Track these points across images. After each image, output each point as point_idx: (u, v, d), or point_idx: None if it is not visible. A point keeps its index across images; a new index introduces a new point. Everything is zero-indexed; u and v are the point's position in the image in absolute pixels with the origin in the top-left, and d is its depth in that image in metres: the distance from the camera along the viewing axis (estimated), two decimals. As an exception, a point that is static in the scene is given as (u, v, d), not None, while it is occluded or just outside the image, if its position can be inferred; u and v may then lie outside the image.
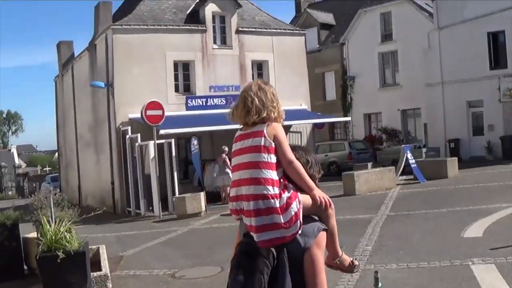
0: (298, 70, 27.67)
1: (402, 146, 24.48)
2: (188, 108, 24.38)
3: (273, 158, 3.05)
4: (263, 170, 3.02)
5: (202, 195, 19.08)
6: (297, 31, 29.38)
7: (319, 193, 3.12)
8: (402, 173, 22.75)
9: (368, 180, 19.64)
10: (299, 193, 3.08)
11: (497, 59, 30.19)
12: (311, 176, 3.19)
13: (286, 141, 3.12)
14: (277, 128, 3.12)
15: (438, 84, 31.73)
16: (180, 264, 11.02)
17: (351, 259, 3.39)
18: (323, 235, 3.07)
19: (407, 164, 22.21)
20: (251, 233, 3.02)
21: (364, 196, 18.55)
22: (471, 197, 16.10)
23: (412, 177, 21.92)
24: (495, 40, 30.21)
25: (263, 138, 3.06)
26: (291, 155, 3.10)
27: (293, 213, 2.98)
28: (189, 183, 23.25)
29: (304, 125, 27.36)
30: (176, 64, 24.65)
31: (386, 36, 36.47)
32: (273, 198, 2.97)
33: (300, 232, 3.00)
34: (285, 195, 3.01)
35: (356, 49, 37.53)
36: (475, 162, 28.08)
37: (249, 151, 3.08)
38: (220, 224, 15.97)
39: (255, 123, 3.14)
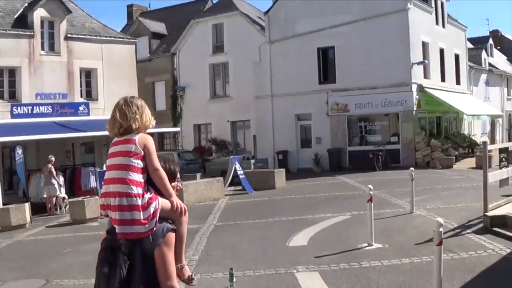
0: (127, 78, 26.82)
1: (231, 157, 24.46)
2: (13, 116, 22.54)
3: (140, 164, 3.49)
4: (129, 172, 3.44)
5: (27, 206, 17.71)
6: (128, 39, 28.52)
7: (177, 200, 3.56)
8: (231, 184, 22.75)
9: (196, 191, 19.27)
10: (159, 197, 3.51)
11: (326, 74, 31.50)
12: (177, 188, 3.73)
13: (154, 151, 3.56)
14: (148, 139, 3.57)
15: (268, 96, 32.39)
16: (4, 277, 10.23)
17: (192, 273, 3.76)
18: (171, 235, 3.48)
19: (236, 175, 22.19)
20: (115, 226, 3.45)
21: (192, 206, 18.05)
22: (297, 207, 16.40)
23: (240, 188, 21.94)
24: (325, 56, 31.52)
25: (133, 146, 3.50)
26: (157, 163, 3.54)
27: (151, 212, 3.42)
28: (13, 194, 21.57)
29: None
30: (1, 70, 22.91)
31: (218, 48, 36.72)
32: (135, 197, 3.41)
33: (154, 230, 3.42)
34: (147, 195, 3.46)
35: (188, 60, 37.37)
36: (303, 173, 28.92)
37: (120, 154, 3.50)
38: (45, 236, 15.23)
39: (129, 132, 3.56)
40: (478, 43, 46.19)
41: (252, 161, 27.14)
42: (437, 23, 33.90)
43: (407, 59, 29.16)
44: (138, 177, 3.45)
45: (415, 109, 29.38)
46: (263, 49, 32.92)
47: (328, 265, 8.90)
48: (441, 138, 32.00)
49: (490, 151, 19.84)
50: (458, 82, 36.83)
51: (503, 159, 12.42)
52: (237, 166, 22.32)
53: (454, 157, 28.84)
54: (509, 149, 13.34)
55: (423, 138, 29.45)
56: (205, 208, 17.45)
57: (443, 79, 34.03)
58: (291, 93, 31.41)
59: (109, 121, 3.63)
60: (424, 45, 31.54)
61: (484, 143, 11.77)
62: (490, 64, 44.97)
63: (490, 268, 8.20)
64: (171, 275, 3.43)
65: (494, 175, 11.88)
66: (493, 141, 43.42)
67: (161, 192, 3.57)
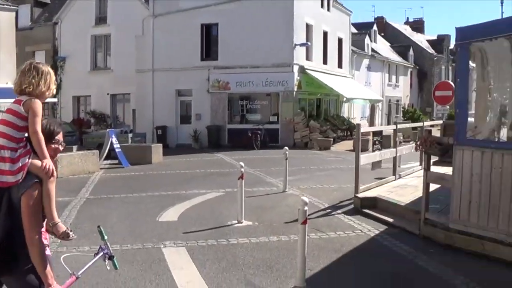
0: (5, 46, 25.50)
1: (107, 130, 23.64)
2: None
3: (21, 123, 3.65)
4: (10, 128, 3.63)
5: None
6: (8, 6, 26.94)
7: (48, 162, 3.68)
8: (108, 158, 22.06)
9: (71, 163, 18.52)
10: (31, 154, 3.69)
11: (208, 51, 31.20)
12: (56, 149, 3.86)
13: (37, 115, 3.66)
14: (34, 103, 3.67)
15: (149, 71, 31.70)
16: None
17: (67, 229, 3.79)
18: (35, 187, 3.62)
19: (112, 148, 21.56)
20: None
21: (66, 179, 17.43)
22: (172, 182, 16.12)
23: (117, 161, 21.35)
24: (208, 32, 31.18)
25: (19, 106, 3.66)
26: (37, 127, 3.64)
27: (20, 165, 3.59)
28: None
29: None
30: None
31: (101, 19, 35.66)
32: (7, 150, 3.59)
33: (20, 181, 3.59)
34: (20, 151, 3.63)
35: (69, 30, 36.09)
36: (182, 149, 28.67)
37: (8, 112, 3.70)
38: None
39: (24, 94, 3.72)
40: (362, 29, 47.57)
41: (130, 135, 26.37)
42: (322, 6, 34.40)
43: (290, 40, 29.40)
44: (16, 134, 3.63)
45: (295, 90, 29.73)
46: (146, 23, 32.06)
47: (196, 241, 8.73)
48: (320, 120, 32.65)
49: (367, 134, 20.66)
50: (340, 65, 37.68)
51: (376, 142, 12.66)
52: (114, 140, 21.66)
53: (332, 139, 29.49)
54: (383, 133, 13.80)
55: (302, 119, 29.88)
56: (79, 181, 16.79)
57: (325, 62, 34.65)
58: (172, 68, 30.88)
59: (15, 80, 3.83)
60: (308, 27, 31.92)
61: (358, 125, 11.88)
62: (373, 50, 46.40)
63: (357, 249, 8.26)
64: (34, 226, 3.56)
65: (367, 157, 12.10)
66: (372, 125, 44.85)
67: None
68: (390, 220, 9.71)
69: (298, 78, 30.08)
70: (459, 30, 7.73)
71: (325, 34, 34.66)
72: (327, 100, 35.98)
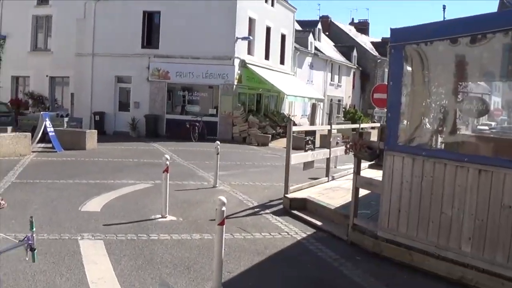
0: None
1: (41, 113, 22.78)
2: None
3: None
4: None
5: None
6: None
7: None
8: (42, 141, 21.25)
9: (1, 145, 17.76)
10: None
11: (150, 39, 30.51)
12: None
13: None
14: None
15: (89, 55, 30.76)
16: None
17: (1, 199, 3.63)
18: None
19: (46, 131, 20.77)
20: None
21: (-5, 161, 16.67)
22: (102, 171, 15.57)
23: (50, 145, 20.55)
24: (150, 20, 30.47)
25: None
26: None
27: None
28: None
29: None
30: None
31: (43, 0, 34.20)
32: None
33: None
34: None
35: (10, 9, 34.67)
36: (119, 137, 28.07)
37: None
38: None
39: None
40: (306, 27, 47.55)
41: (66, 119, 25.40)
42: (266, 1, 34.13)
43: (232, 33, 29.03)
44: None
45: (235, 83, 29.39)
46: (88, 6, 30.98)
47: (116, 234, 8.32)
48: (260, 115, 32.43)
49: (303, 132, 20.42)
50: (282, 62, 37.53)
51: (309, 142, 12.35)
52: (47, 123, 20.92)
53: (270, 135, 29.30)
54: (321, 132, 13.50)
55: (241, 113, 29.58)
56: (7, 164, 15.99)
57: (267, 57, 34.44)
58: (113, 54, 30.06)
59: None
60: (251, 21, 31.63)
61: (290, 122, 11.55)
62: (316, 48, 46.48)
63: (282, 252, 7.98)
64: None
65: (297, 157, 11.68)
66: (312, 124, 45.04)
67: None
68: (319, 223, 9.49)
69: (239, 72, 29.75)
70: (393, 31, 7.52)
71: (268, 30, 34.43)
72: (268, 96, 35.81)
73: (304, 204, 10.68)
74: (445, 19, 25.86)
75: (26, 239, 4.01)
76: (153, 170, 15.77)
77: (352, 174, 14.85)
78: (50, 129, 20.80)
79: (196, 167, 17.00)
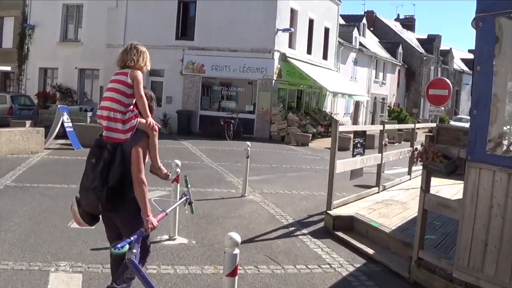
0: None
1: (58, 106, 21.04)
2: None
3: (128, 90, 4.53)
4: (118, 94, 4.51)
5: None
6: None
7: (151, 120, 4.61)
8: (61, 137, 19.65)
9: (10, 141, 16.23)
10: (138, 118, 4.56)
11: (184, 30, 28.83)
12: (150, 108, 4.70)
13: (141, 83, 4.58)
14: (137, 73, 4.59)
15: (120, 46, 28.80)
16: None
17: (168, 171, 4.88)
18: (144, 140, 4.53)
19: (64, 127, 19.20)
20: (104, 132, 4.52)
21: (3, 158, 15.10)
22: None
23: (69, 142, 18.94)
24: (186, 10, 28.78)
25: (126, 76, 4.55)
26: (141, 92, 4.57)
27: (130, 126, 4.49)
28: None
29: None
30: None
31: (74, -13, 32.79)
32: (119, 113, 4.47)
33: (130, 138, 4.48)
34: (130, 114, 4.50)
35: (40, -3, 33.16)
36: (149, 134, 26.26)
37: (116, 81, 4.57)
38: None
39: (127, 67, 4.60)
40: (351, 21, 45.26)
41: (90, 113, 23.77)
42: (309, -9, 32.07)
43: (272, 24, 27.07)
44: (124, 99, 4.49)
45: (275, 78, 27.43)
46: (121, -5, 29.50)
47: (102, 265, 6.34)
48: (300, 113, 30.44)
49: (348, 132, 18.30)
50: (325, 57, 35.41)
51: (358, 145, 10.26)
52: (65, 117, 19.24)
53: (311, 135, 27.21)
54: (367, 133, 11.22)
55: (280, 111, 27.64)
56: (12, 163, 14.40)
57: (309, 52, 32.35)
58: (145, 45, 27.48)
59: (118, 56, 4.66)
60: (293, 13, 29.63)
61: (335, 121, 9.34)
62: (360, 44, 44.19)
63: None
64: (141, 170, 4.43)
65: (344, 164, 9.56)
66: (355, 123, 43.00)
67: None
68: (370, 251, 7.40)
69: (279, 66, 27.77)
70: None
71: (311, 22, 32.35)
72: (309, 92, 33.76)
73: (350, 224, 8.59)
74: None
75: (183, 195, 5.06)
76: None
77: (406, 183, 12.79)
78: (67, 124, 19.17)
79: (225, 170, 15.08)
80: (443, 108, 16.26)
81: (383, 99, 50.32)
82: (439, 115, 18.30)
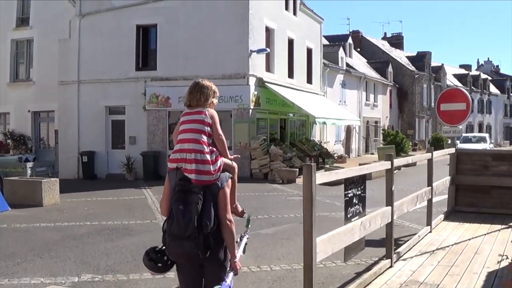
0: None
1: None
2: None
3: (208, 130, 4.43)
4: (202, 135, 4.38)
5: None
6: None
7: (231, 159, 4.61)
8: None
9: None
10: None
11: (146, 59, 25.31)
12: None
13: (218, 122, 4.52)
14: (214, 112, 4.54)
15: (74, 82, 25.55)
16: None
17: (243, 209, 4.79)
18: (229, 181, 4.46)
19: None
20: (189, 175, 4.27)
21: None
22: (18, 251, 9.76)
23: None
24: (145, 36, 25.26)
25: (205, 116, 4.44)
26: (221, 131, 4.51)
27: (218, 166, 4.37)
28: None
29: None
30: None
31: (23, 20, 29.19)
32: (206, 154, 4.33)
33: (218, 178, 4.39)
34: (215, 154, 4.39)
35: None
36: (112, 182, 22.75)
37: (193, 122, 4.44)
38: None
39: (200, 106, 4.48)
40: (336, 41, 41.96)
41: (30, 164, 19.85)
42: (286, 8, 28.60)
43: (245, 45, 23.52)
44: (207, 140, 4.37)
45: (252, 107, 23.77)
46: (73, 24, 25.90)
47: None
48: (285, 145, 26.75)
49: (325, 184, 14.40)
50: (309, 80, 31.87)
51: (354, 200, 6.21)
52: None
53: (297, 170, 23.42)
54: (371, 174, 7.15)
55: (260, 144, 23.91)
56: None
57: (291, 75, 28.80)
58: (102, 79, 24.89)
59: (186, 95, 4.57)
60: (269, 32, 26.18)
61: (307, 167, 6.75)
62: (348, 64, 40.86)
63: None
64: (229, 211, 4.34)
65: (331, 241, 5.40)
66: (348, 151, 39.59)
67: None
68: None
69: (256, 92, 24.13)
70: None
71: (290, 42, 28.85)
72: (294, 121, 30.08)
73: None
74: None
75: (242, 235, 4.85)
76: (107, 245, 10.14)
77: (427, 245, 8.88)
78: (-4, 179, 15.44)
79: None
80: (461, 127, 12.20)
81: (376, 122, 46.97)
82: (459, 137, 14.37)
